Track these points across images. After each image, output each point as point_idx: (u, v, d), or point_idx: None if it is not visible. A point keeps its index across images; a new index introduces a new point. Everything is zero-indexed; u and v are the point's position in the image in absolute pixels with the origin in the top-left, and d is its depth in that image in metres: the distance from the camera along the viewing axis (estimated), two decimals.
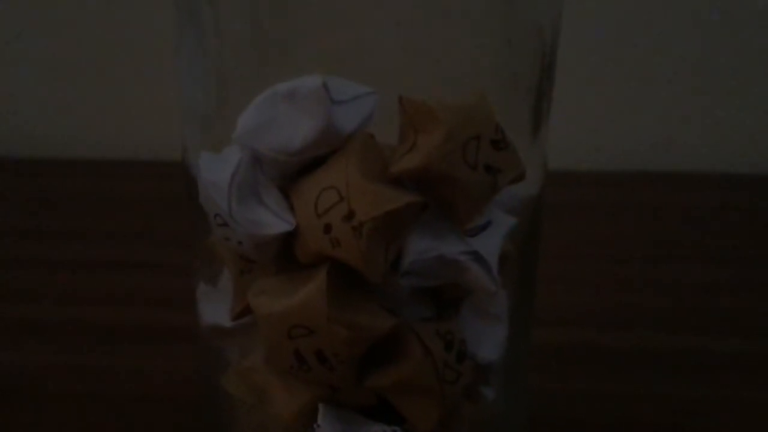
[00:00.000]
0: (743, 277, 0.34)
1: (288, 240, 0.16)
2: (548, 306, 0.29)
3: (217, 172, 0.16)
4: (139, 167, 0.47)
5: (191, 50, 0.16)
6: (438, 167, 0.15)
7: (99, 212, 0.43)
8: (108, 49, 0.49)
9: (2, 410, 0.25)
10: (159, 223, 0.38)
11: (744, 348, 0.28)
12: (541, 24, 0.17)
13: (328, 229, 0.15)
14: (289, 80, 0.15)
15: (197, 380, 0.21)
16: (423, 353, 0.16)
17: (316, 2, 0.15)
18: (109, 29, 0.48)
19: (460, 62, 0.17)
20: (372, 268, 0.15)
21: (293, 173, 0.16)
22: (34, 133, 0.55)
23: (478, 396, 0.18)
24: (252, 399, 0.18)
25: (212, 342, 0.20)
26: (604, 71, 0.48)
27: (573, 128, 0.46)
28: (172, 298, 0.25)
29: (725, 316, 0.31)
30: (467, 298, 0.17)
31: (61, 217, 0.43)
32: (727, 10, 0.47)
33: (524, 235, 0.18)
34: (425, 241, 0.16)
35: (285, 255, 0.17)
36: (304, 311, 0.15)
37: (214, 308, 0.19)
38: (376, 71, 0.16)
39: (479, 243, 0.16)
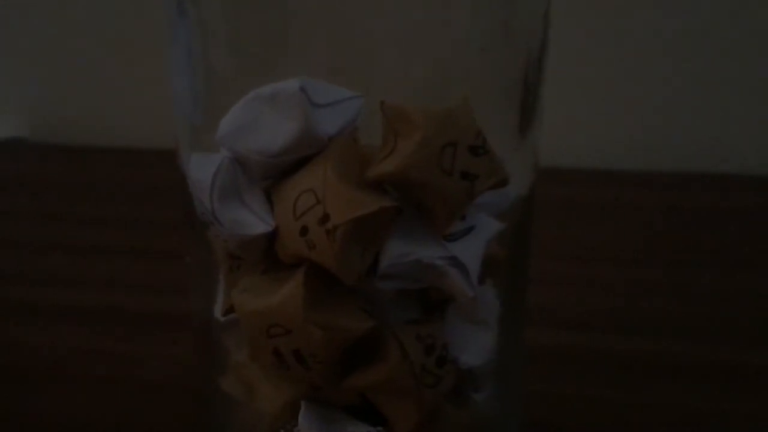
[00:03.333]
0: (753, 282, 0.33)
1: (274, 240, 0.16)
2: (544, 308, 0.28)
3: (203, 172, 0.16)
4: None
5: (180, 49, 0.16)
6: (411, 173, 0.15)
7: (138, 200, 0.44)
8: (145, 41, 0.50)
9: (30, 391, 0.26)
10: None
11: (747, 358, 0.27)
12: (528, 20, 0.16)
13: (304, 231, 0.15)
14: (273, 83, 0.16)
15: (199, 373, 0.21)
16: (400, 356, 0.16)
17: (297, 3, 0.16)
18: (147, 20, 0.49)
19: (444, 61, 0.16)
20: (346, 270, 0.15)
21: (277, 175, 0.16)
22: (78, 122, 0.57)
23: (466, 400, 0.18)
24: (243, 396, 0.18)
25: (211, 335, 0.20)
26: (605, 69, 0.48)
27: (575, 126, 0.46)
28: None
29: (731, 323, 0.30)
30: (453, 301, 0.17)
31: (100, 205, 0.44)
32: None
33: (514, 237, 0.18)
34: (403, 245, 0.16)
35: (272, 254, 0.17)
36: (281, 311, 0.16)
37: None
38: (363, 71, 0.16)
39: (459, 248, 0.16)
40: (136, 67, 0.52)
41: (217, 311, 0.19)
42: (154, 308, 0.32)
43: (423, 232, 0.16)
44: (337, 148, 0.15)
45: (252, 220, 0.16)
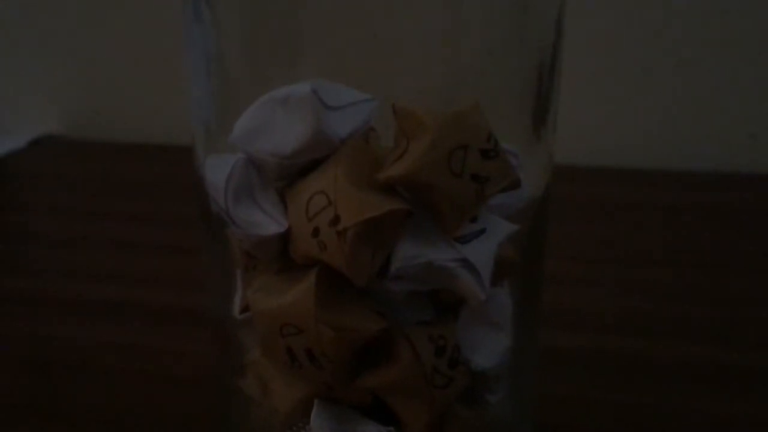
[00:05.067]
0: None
1: (288, 240, 0.17)
2: (558, 309, 0.28)
3: (218, 173, 0.16)
4: None
5: (196, 52, 0.17)
6: (420, 175, 0.15)
7: (172, 196, 0.44)
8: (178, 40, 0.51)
9: (61, 383, 0.27)
10: None
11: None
12: (542, 21, 0.16)
13: (316, 232, 0.15)
14: (287, 85, 0.16)
15: (217, 370, 0.21)
16: (411, 357, 0.16)
17: (313, 7, 0.16)
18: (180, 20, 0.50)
19: (459, 63, 0.16)
20: (356, 272, 0.15)
21: (292, 176, 0.16)
22: (112, 119, 0.58)
23: (478, 401, 0.19)
24: (258, 395, 0.19)
25: (229, 332, 0.20)
26: (617, 67, 0.48)
27: (591, 124, 0.46)
28: None
29: (748, 325, 0.29)
30: (466, 303, 0.17)
31: (134, 201, 0.45)
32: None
33: (527, 238, 0.18)
34: (414, 248, 0.16)
35: (287, 254, 0.17)
36: (293, 311, 0.16)
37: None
38: (377, 74, 0.16)
39: (470, 250, 0.16)
40: (169, 66, 0.53)
41: (235, 309, 0.19)
42: (185, 304, 0.32)
43: (434, 234, 0.16)
44: (349, 151, 0.16)
45: (265, 220, 0.16)
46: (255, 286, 0.17)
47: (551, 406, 0.23)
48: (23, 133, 0.58)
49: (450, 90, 0.17)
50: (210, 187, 0.17)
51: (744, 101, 0.47)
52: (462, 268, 0.16)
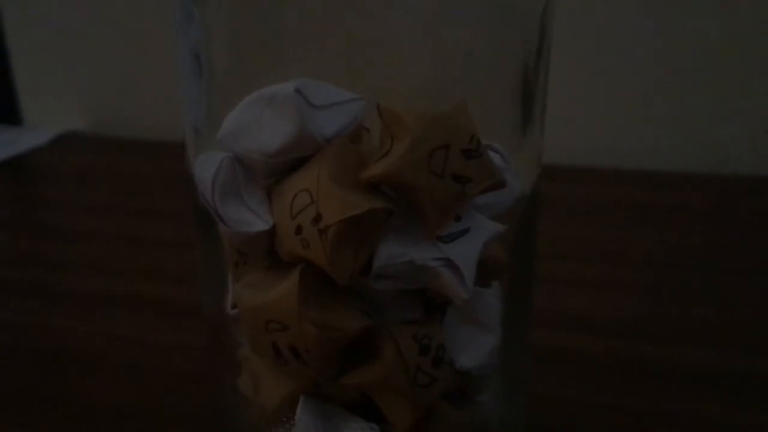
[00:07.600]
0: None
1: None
2: (562, 311, 0.28)
3: (206, 170, 0.17)
4: None
5: (186, 51, 0.17)
6: (400, 175, 0.15)
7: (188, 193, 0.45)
8: None
9: (70, 375, 0.28)
10: None
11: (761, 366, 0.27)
12: (527, 22, 0.16)
13: (299, 230, 0.16)
14: (274, 84, 0.16)
15: (212, 365, 0.22)
16: (395, 355, 0.16)
17: (301, 8, 0.16)
18: None
19: (446, 63, 0.17)
20: (338, 270, 0.15)
21: (280, 174, 0.17)
22: (133, 116, 0.59)
23: (466, 401, 0.19)
24: (250, 392, 0.19)
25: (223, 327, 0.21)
26: (615, 69, 0.48)
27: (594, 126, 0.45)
28: None
29: (748, 330, 0.29)
30: (453, 303, 0.17)
31: (153, 196, 0.46)
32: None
33: (516, 238, 0.18)
34: (396, 247, 0.16)
35: (276, 251, 0.17)
36: (277, 307, 0.16)
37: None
38: (366, 73, 0.17)
39: (453, 250, 0.16)
40: None
41: (227, 305, 0.20)
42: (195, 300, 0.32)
43: (417, 233, 0.16)
44: (334, 149, 0.16)
45: (251, 218, 0.16)
46: (243, 282, 0.17)
47: (547, 408, 0.23)
48: (46, 130, 0.59)
49: (438, 90, 0.17)
50: (199, 185, 0.17)
51: (744, 102, 0.47)
52: (444, 267, 0.16)
